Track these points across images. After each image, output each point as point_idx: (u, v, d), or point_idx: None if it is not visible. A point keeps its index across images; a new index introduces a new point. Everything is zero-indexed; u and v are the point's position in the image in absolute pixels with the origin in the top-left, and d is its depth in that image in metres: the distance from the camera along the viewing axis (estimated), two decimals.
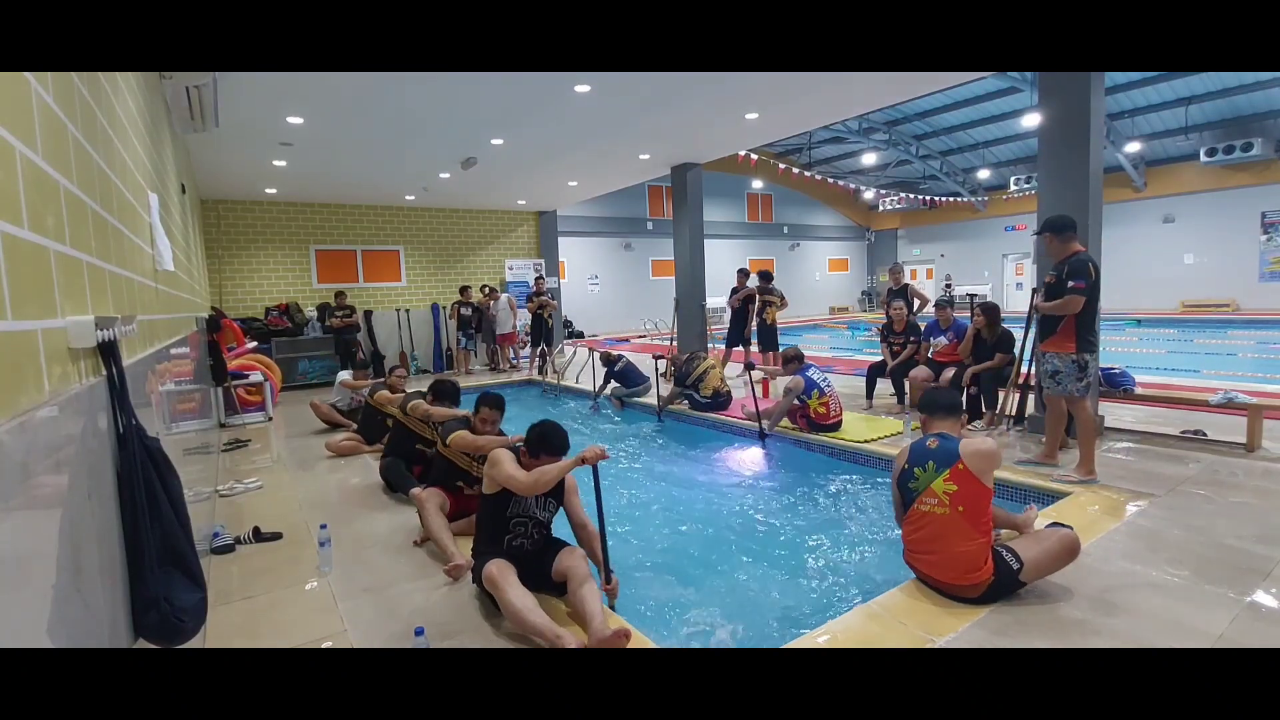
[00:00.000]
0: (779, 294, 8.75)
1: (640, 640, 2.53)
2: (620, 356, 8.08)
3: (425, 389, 4.74)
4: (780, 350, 8.89)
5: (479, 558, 2.93)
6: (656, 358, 8.46)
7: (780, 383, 6.46)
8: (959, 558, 2.62)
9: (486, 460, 2.97)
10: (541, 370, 10.23)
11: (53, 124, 1.25)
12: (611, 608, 2.83)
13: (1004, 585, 2.63)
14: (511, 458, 2.91)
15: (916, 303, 7.43)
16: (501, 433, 3.78)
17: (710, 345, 9.67)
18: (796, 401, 5.60)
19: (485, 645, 2.58)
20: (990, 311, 5.61)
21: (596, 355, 8.37)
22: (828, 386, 5.59)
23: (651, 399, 7.56)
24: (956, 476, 2.65)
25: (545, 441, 2.88)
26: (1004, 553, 2.65)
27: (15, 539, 0.84)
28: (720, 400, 6.77)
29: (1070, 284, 3.93)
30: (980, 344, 5.64)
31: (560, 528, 3.11)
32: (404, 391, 5.59)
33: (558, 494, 3.04)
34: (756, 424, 5.86)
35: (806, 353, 6.13)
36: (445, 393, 4.55)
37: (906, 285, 7.45)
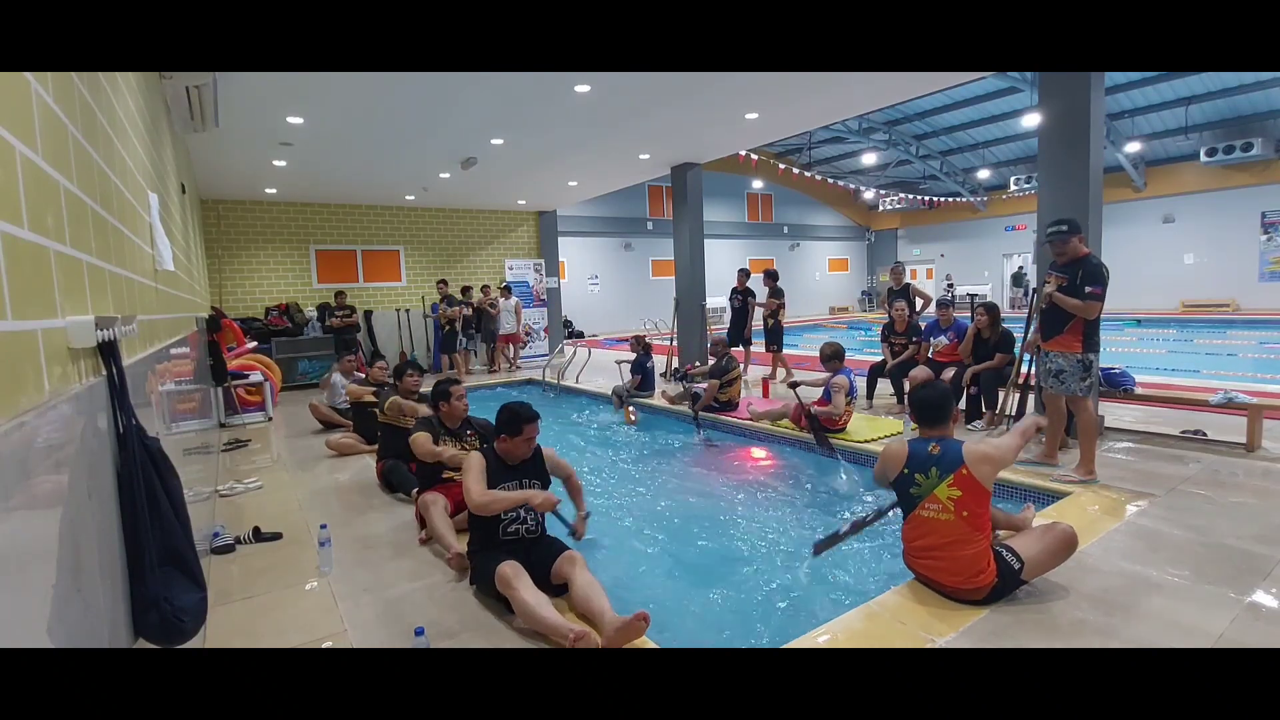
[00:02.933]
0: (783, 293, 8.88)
1: (640, 640, 2.53)
2: (649, 352, 7.81)
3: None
4: (784, 349, 8.92)
5: (476, 555, 2.95)
6: (674, 373, 8.01)
7: (782, 384, 6.38)
8: (962, 562, 2.61)
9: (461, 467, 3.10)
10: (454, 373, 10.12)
11: (53, 124, 1.25)
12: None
13: (1006, 586, 2.63)
14: (479, 465, 3.00)
15: (919, 302, 7.34)
16: (474, 422, 4.07)
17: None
18: (816, 400, 5.50)
19: (486, 645, 2.58)
20: (991, 311, 5.62)
21: (616, 358, 8.07)
22: (855, 394, 5.53)
23: (653, 400, 7.55)
24: (961, 482, 2.61)
25: (514, 421, 3.02)
26: (1004, 552, 2.64)
27: (15, 539, 0.84)
28: (729, 404, 6.76)
29: (1088, 289, 3.92)
30: (980, 344, 5.65)
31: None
32: (387, 382, 5.62)
33: (542, 476, 3.14)
34: (816, 441, 5.35)
35: (807, 353, 6.11)
36: (402, 369, 4.91)
37: (908, 285, 7.34)
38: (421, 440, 3.88)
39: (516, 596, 2.60)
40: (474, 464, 2.99)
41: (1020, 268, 21.14)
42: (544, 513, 3.09)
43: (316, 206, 10.81)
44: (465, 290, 11.07)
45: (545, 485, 3.14)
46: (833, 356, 5.58)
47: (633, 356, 7.88)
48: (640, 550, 3.86)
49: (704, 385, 6.77)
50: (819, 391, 5.75)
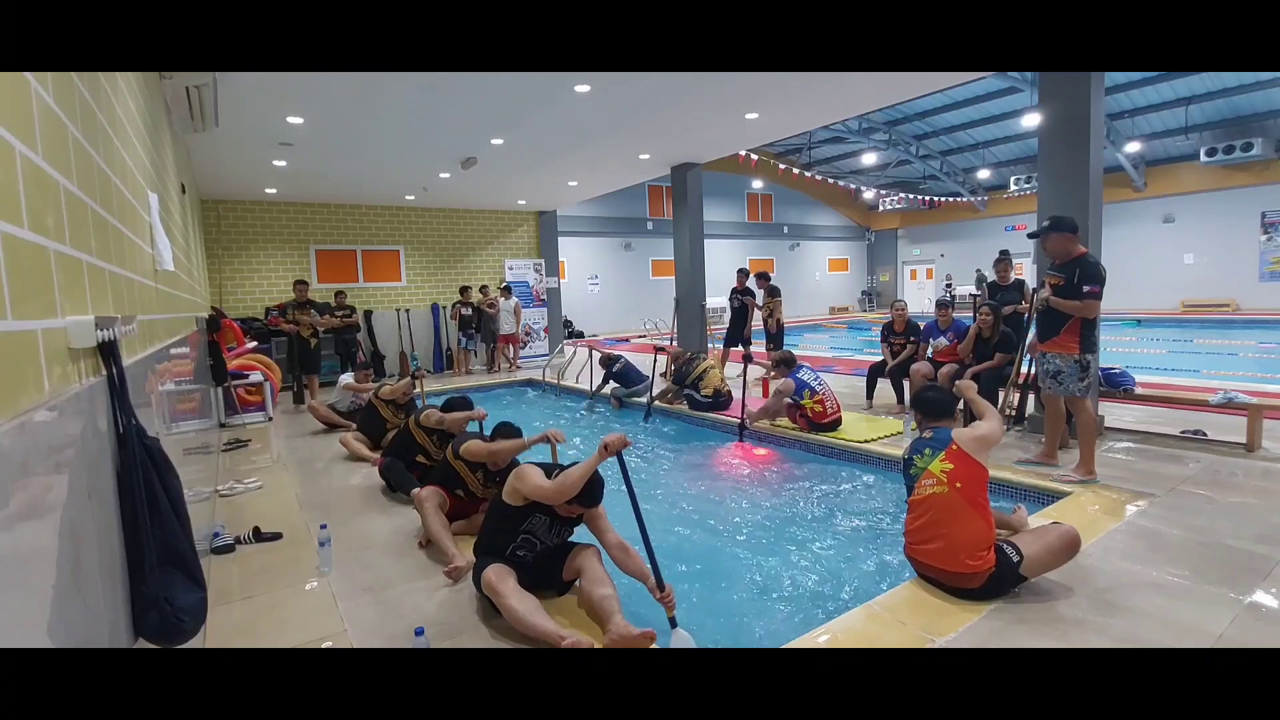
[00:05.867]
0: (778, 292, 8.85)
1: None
2: (619, 358, 8.04)
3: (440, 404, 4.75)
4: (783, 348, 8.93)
5: (480, 558, 2.93)
6: (657, 349, 8.38)
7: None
8: (960, 542, 2.63)
9: (512, 474, 2.89)
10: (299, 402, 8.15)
11: (53, 124, 1.25)
12: (671, 620, 2.62)
13: (1005, 578, 2.64)
14: (539, 471, 2.82)
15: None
16: (518, 432, 3.66)
17: (710, 345, 9.68)
18: (789, 401, 5.67)
19: (485, 645, 2.58)
20: (995, 311, 5.61)
21: (596, 356, 8.33)
22: (820, 385, 5.64)
23: (642, 399, 7.56)
24: (952, 456, 2.76)
25: (506, 428, 2.98)
26: (1005, 546, 2.67)
27: (15, 539, 0.84)
28: (721, 400, 6.78)
29: (1086, 288, 3.92)
30: (981, 344, 5.65)
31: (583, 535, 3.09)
32: (413, 402, 5.68)
33: (572, 521, 2.92)
34: (741, 420, 5.97)
35: (807, 353, 6.16)
36: (458, 406, 4.58)
37: (1021, 282, 5.99)
38: (476, 445, 3.57)
39: (502, 603, 2.57)
40: (533, 470, 2.81)
41: (979, 270, 20.73)
42: (563, 540, 2.97)
43: (316, 206, 10.80)
44: (464, 290, 11.08)
45: (573, 528, 2.98)
46: (779, 363, 5.98)
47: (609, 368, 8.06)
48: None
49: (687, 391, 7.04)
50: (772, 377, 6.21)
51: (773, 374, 6.20)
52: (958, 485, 2.70)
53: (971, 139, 18.94)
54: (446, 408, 4.59)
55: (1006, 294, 5.79)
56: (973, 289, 19.45)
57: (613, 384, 7.92)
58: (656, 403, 7.27)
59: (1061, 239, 4.06)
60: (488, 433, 3.87)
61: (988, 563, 2.61)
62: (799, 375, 5.70)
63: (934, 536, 2.72)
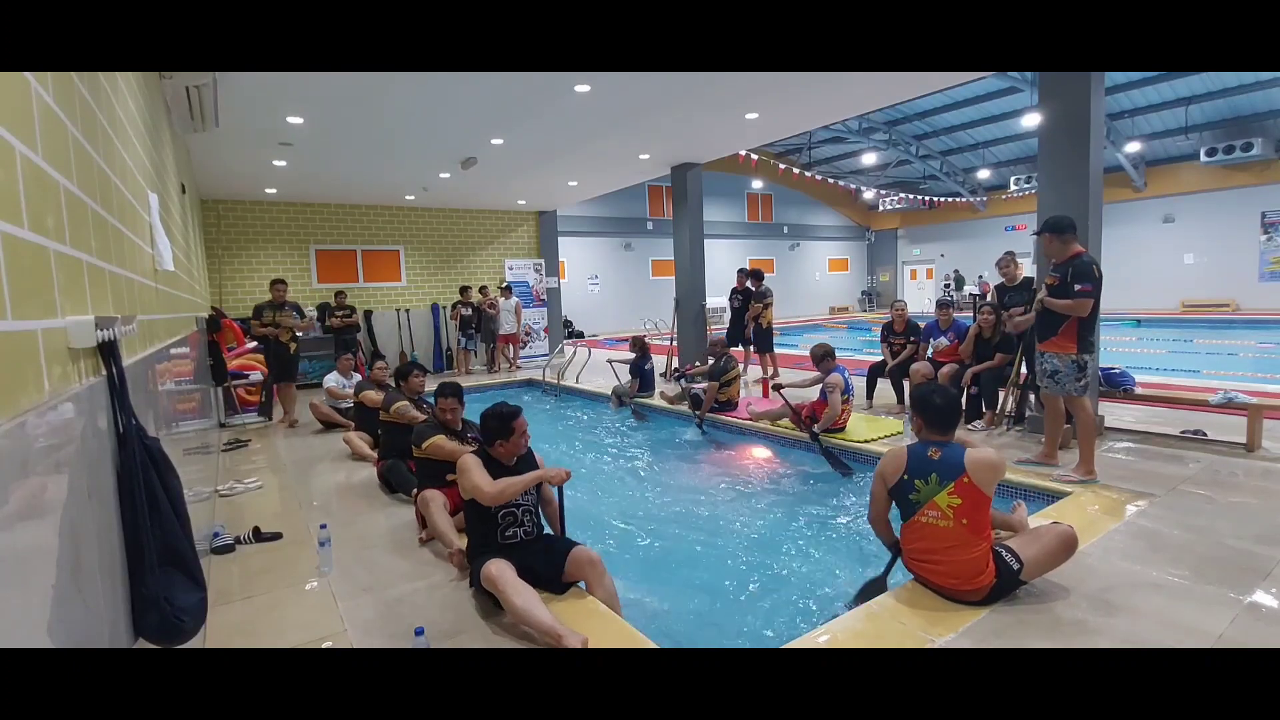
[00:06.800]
0: (769, 294, 8.83)
1: (641, 640, 2.53)
2: (650, 355, 7.77)
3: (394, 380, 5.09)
4: (774, 350, 8.91)
5: (475, 560, 2.94)
6: (675, 374, 8.08)
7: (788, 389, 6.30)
8: (962, 565, 2.60)
9: (457, 469, 3.00)
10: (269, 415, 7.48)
11: (53, 124, 1.25)
12: None
13: (1005, 586, 2.63)
14: (478, 464, 2.95)
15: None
16: (470, 424, 3.91)
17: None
18: (809, 401, 5.56)
19: (485, 645, 2.58)
20: (996, 311, 5.61)
21: (608, 357, 8.08)
22: (851, 392, 5.53)
23: (652, 400, 7.56)
24: (961, 490, 2.58)
25: (503, 423, 2.97)
26: (1004, 553, 2.64)
27: (15, 539, 0.84)
28: (728, 406, 6.76)
29: (1077, 287, 3.92)
30: (981, 344, 5.65)
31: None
32: (388, 385, 5.61)
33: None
34: (822, 444, 5.31)
35: (805, 352, 6.08)
36: (407, 371, 4.94)
37: (1029, 279, 5.63)
38: (443, 441, 3.78)
39: (504, 597, 2.59)
40: (473, 462, 2.96)
41: (956, 270, 21.01)
42: (537, 500, 3.10)
43: (316, 206, 10.80)
44: (464, 290, 11.08)
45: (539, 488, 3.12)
46: (824, 356, 5.57)
47: (630, 357, 7.87)
48: (640, 550, 3.86)
49: (703, 386, 6.76)
50: (810, 392, 5.80)
51: (808, 382, 5.93)
52: (964, 522, 2.57)
53: (971, 139, 18.94)
54: (400, 375, 4.96)
55: (1014, 294, 5.60)
56: (953, 288, 19.71)
57: (626, 378, 7.79)
58: (664, 400, 7.19)
59: (1052, 240, 4.07)
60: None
61: (988, 578, 2.59)
62: (845, 374, 5.45)
63: (935, 560, 2.67)
